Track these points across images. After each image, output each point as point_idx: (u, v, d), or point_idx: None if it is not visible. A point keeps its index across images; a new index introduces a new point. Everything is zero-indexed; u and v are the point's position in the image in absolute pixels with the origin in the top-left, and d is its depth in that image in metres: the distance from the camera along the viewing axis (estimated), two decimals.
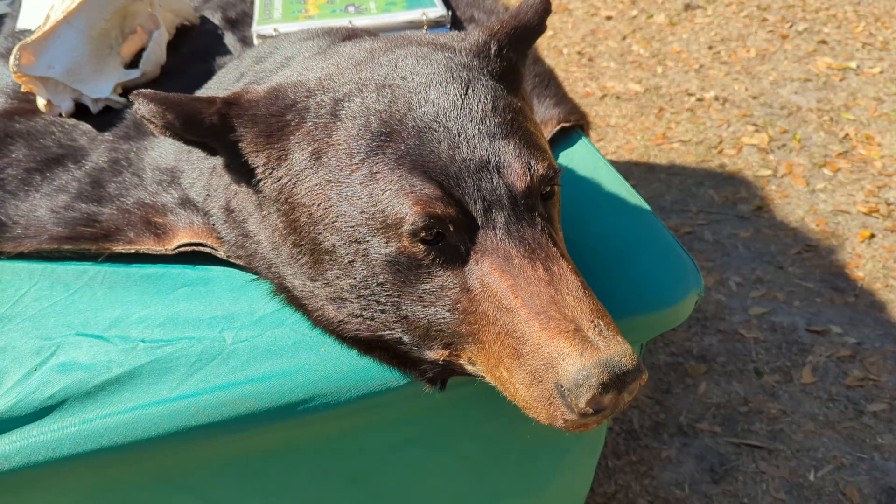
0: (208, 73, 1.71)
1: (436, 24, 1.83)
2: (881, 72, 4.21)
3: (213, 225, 1.25)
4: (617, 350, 0.87)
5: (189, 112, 1.03)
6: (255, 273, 1.21)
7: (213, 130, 1.05)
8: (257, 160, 1.06)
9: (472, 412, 1.20)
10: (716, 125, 3.87)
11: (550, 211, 1.03)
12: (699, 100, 4.08)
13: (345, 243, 1.00)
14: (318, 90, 1.06)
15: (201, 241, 1.28)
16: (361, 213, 0.98)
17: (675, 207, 3.40)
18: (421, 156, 0.97)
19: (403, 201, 0.94)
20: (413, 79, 1.05)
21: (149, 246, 1.30)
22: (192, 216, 1.31)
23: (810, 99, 4.03)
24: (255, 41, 1.80)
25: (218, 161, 1.23)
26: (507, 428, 1.23)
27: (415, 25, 1.83)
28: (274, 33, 1.78)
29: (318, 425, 1.12)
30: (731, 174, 3.57)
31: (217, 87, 1.43)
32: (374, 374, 1.10)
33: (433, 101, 1.01)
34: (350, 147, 1.00)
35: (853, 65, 4.29)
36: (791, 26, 4.68)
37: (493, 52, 1.13)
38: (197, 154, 1.33)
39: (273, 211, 1.08)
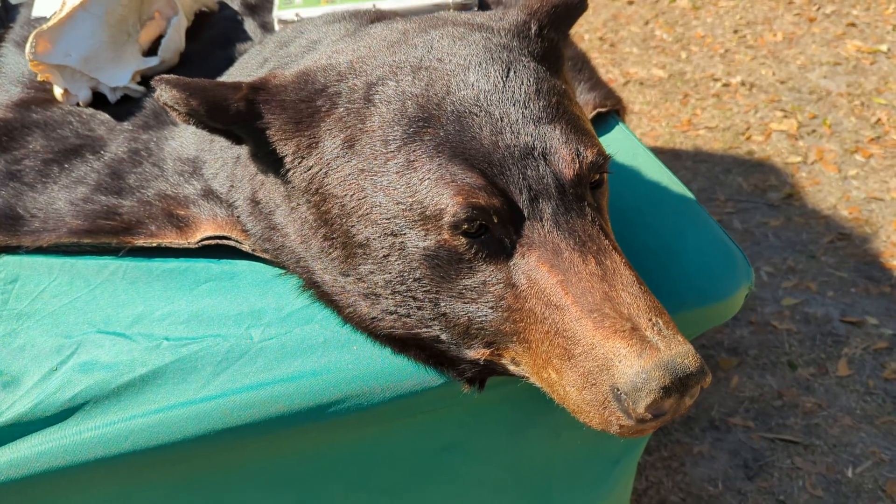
0: (229, 60, 1.65)
1: (462, 7, 1.77)
2: None
3: (238, 217, 1.20)
4: (678, 351, 0.81)
5: (214, 98, 0.97)
6: (283, 267, 1.16)
7: (240, 117, 0.99)
8: (286, 148, 1.01)
9: (514, 415, 1.14)
10: (743, 111, 3.77)
11: (600, 200, 0.97)
12: (725, 85, 3.98)
13: (380, 236, 0.94)
14: (350, 74, 1.00)
15: (225, 233, 1.23)
16: (398, 204, 0.92)
17: (702, 195, 3.32)
18: (462, 142, 0.91)
19: (444, 191, 0.88)
20: (451, 60, 0.98)
21: (171, 239, 1.25)
22: (215, 208, 1.26)
23: (840, 83, 3.93)
24: (277, 26, 1.74)
25: (243, 150, 1.18)
26: (553, 434, 1.17)
27: (441, 7, 1.76)
28: (296, 18, 1.72)
29: (350, 429, 1.06)
30: (759, 161, 3.48)
31: (239, 73, 1.37)
32: (409, 373, 1.05)
33: (473, 84, 0.95)
34: (385, 134, 0.94)
35: (884, 48, 4.17)
36: (818, 9, 4.56)
37: (533, 31, 1.07)
38: (220, 143, 1.28)
39: (303, 202, 1.03)
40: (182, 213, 1.28)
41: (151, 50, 1.73)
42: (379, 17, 1.30)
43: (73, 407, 1.03)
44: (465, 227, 0.88)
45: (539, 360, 0.90)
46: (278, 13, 1.76)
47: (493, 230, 0.90)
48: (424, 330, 0.98)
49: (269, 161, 1.04)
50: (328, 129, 0.98)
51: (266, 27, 1.80)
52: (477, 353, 0.97)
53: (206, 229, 1.24)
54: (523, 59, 1.00)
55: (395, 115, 0.94)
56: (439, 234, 0.90)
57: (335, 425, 1.04)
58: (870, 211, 3.18)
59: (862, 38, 4.26)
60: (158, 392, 1.04)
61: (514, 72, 0.97)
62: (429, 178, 0.90)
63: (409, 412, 1.07)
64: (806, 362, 2.56)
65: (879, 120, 3.67)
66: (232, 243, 1.22)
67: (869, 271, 2.91)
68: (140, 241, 1.25)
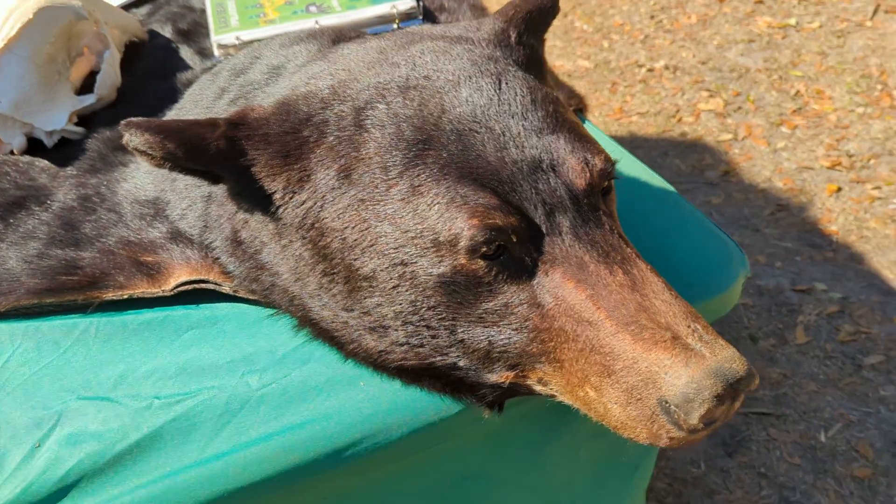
0: (171, 91, 1.57)
1: (407, 17, 1.73)
2: (820, 26, 4.26)
3: (217, 258, 1.13)
4: (725, 356, 0.79)
5: (191, 139, 0.91)
6: (273, 307, 1.10)
7: (221, 156, 0.93)
8: (275, 184, 0.95)
9: (533, 434, 1.11)
10: (670, 94, 3.86)
11: (611, 207, 0.95)
12: (650, 70, 4.06)
13: (387, 267, 0.89)
14: (334, 100, 0.95)
15: (202, 277, 1.16)
16: (405, 232, 0.88)
17: None
18: (467, 161, 0.87)
19: (457, 215, 0.84)
20: (438, 77, 0.95)
21: (143, 289, 1.17)
22: (186, 251, 1.18)
23: (757, 59, 4.06)
24: (216, 52, 1.67)
25: (217, 188, 1.11)
26: (573, 448, 1.15)
27: (385, 20, 1.72)
28: (237, 41, 1.65)
29: (370, 469, 1.01)
30: (693, 142, 3.56)
31: (194, 105, 1.29)
32: (424, 404, 1.00)
33: (467, 100, 0.91)
34: (384, 160, 0.89)
35: (792, 21, 4.34)
36: None
37: (513, 39, 1.04)
38: (184, 182, 1.21)
39: (296, 239, 0.97)
40: (150, 259, 1.20)
41: (85, 87, 1.63)
42: (340, 36, 1.25)
43: (67, 485, 0.94)
44: (484, 249, 0.84)
45: (574, 379, 0.87)
46: (217, 38, 1.68)
47: (511, 250, 0.86)
48: (440, 358, 0.94)
49: (255, 198, 0.97)
50: (320, 161, 0.93)
51: (204, 53, 1.72)
52: (500, 376, 0.93)
53: (180, 274, 1.17)
54: (511, 68, 0.98)
55: (392, 139, 0.90)
56: (455, 260, 0.86)
57: (354, 468, 0.98)
58: (802, 180, 3.29)
59: (771, 13, 4.41)
60: (159, 457, 0.97)
61: (506, 83, 0.94)
62: (439, 203, 0.85)
63: (427, 444, 1.02)
64: (766, 334, 2.63)
65: (798, 92, 3.80)
66: (211, 286, 1.15)
67: (811, 239, 3.01)
68: (109, 295, 1.16)
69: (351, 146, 0.91)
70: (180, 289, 1.15)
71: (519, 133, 0.89)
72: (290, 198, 0.95)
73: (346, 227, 0.91)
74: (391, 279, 0.90)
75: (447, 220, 0.85)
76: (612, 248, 0.86)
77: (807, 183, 3.27)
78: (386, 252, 0.89)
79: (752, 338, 2.61)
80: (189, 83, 1.58)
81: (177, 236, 1.20)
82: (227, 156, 0.93)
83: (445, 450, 1.05)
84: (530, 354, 0.89)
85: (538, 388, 0.94)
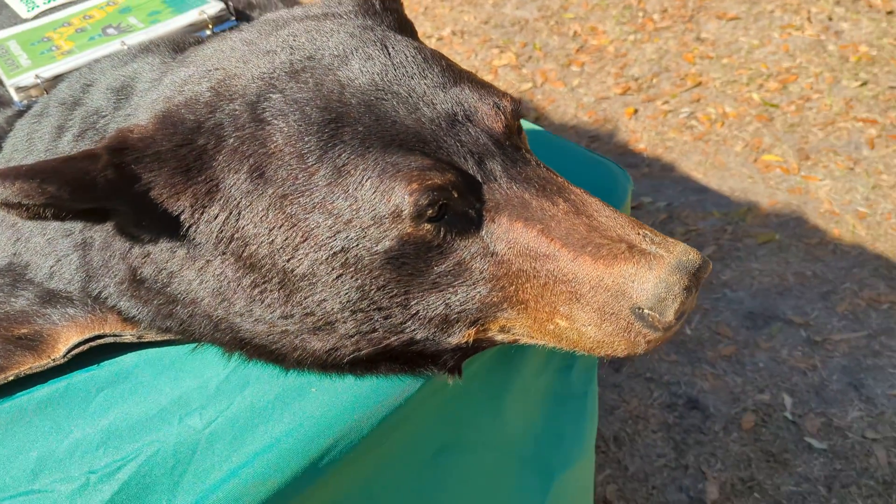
0: None
1: (219, 21, 1.64)
2: None
3: (113, 306, 1.02)
4: (680, 250, 0.84)
5: (74, 176, 0.80)
6: (192, 340, 1.01)
7: (112, 188, 0.83)
8: (179, 204, 0.87)
9: (488, 391, 1.11)
10: (465, 57, 3.97)
11: (526, 144, 0.96)
12: (440, 39, 4.15)
13: (326, 259, 0.85)
14: (221, 100, 0.88)
15: (96, 333, 1.04)
16: (338, 217, 0.84)
17: None
18: (384, 130, 0.84)
19: (393, 185, 0.82)
20: (322, 55, 0.91)
21: (29, 364, 1.03)
22: (67, 310, 1.06)
23: (532, 10, 4.28)
24: (16, 96, 1.49)
25: (92, 232, 1.00)
26: (524, 393, 1.16)
27: (197, 27, 1.62)
28: (37, 81, 1.48)
29: (347, 471, 0.97)
30: None
31: (27, 154, 1.14)
32: (385, 390, 0.97)
33: (362, 71, 0.89)
34: (297, 148, 0.84)
35: None
36: None
37: (377, 6, 1.02)
38: (43, 237, 1.07)
39: (215, 257, 0.89)
40: (26, 331, 1.06)
41: None
42: (179, 44, 1.16)
43: None
44: (430, 212, 0.82)
45: (541, 315, 0.88)
46: (12, 81, 1.50)
47: (453, 206, 0.85)
48: (395, 338, 0.91)
49: (157, 226, 0.89)
50: (225, 167, 0.86)
51: (1, 101, 1.54)
52: (461, 336, 0.92)
53: (68, 337, 1.04)
54: (389, 33, 0.96)
55: (299, 125, 0.85)
56: (401, 230, 0.83)
57: (333, 474, 0.94)
58: (603, 110, 3.54)
59: None
60: None
61: (393, 48, 0.92)
62: (370, 177, 0.82)
63: (398, 430, 1.00)
64: None
65: (576, 32, 4.07)
66: (109, 340, 1.04)
67: (626, 159, 3.25)
68: None
69: (256, 143, 0.86)
70: (74, 352, 1.03)
71: (424, 92, 0.88)
72: (201, 214, 0.87)
73: (271, 230, 0.86)
74: (333, 270, 0.86)
75: (384, 192, 0.82)
76: (545, 181, 0.88)
77: (608, 111, 3.52)
78: (322, 243, 0.85)
79: None
80: None
81: (50, 298, 1.07)
82: (118, 186, 0.83)
83: (411, 431, 1.03)
84: (491, 304, 0.89)
85: (500, 336, 0.94)
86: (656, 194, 3.07)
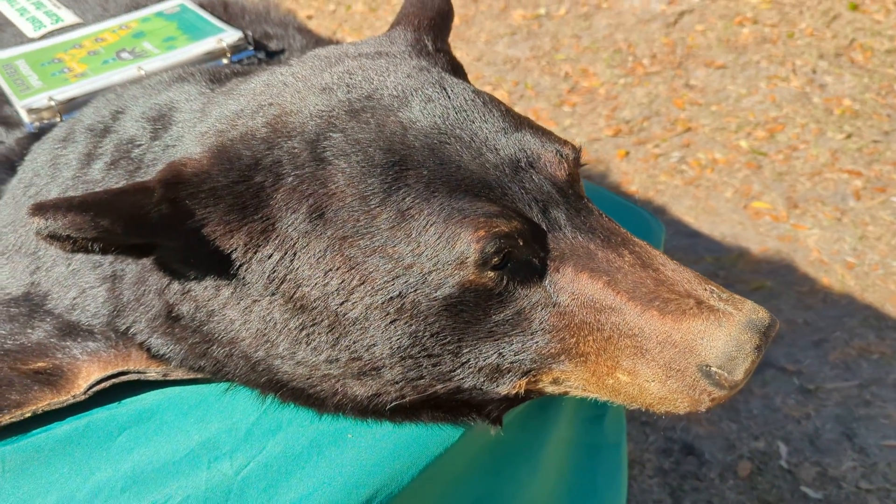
0: None
1: (237, 50, 1.62)
2: (567, 12, 4.65)
3: (142, 342, 0.98)
4: (749, 308, 0.83)
5: (128, 210, 0.77)
6: (225, 381, 0.98)
7: (166, 223, 0.80)
8: (233, 242, 0.84)
9: (522, 440, 1.08)
10: None
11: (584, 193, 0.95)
12: None
13: (382, 303, 0.83)
14: (278, 137, 0.86)
15: (119, 369, 1.00)
16: (399, 262, 0.81)
17: None
18: (450, 174, 0.83)
19: (458, 231, 0.80)
20: (382, 95, 0.89)
21: (47, 400, 0.98)
22: (89, 344, 1.01)
23: (524, 49, 4.33)
24: (27, 118, 1.45)
25: (125, 265, 0.96)
26: (558, 443, 1.13)
27: (214, 56, 1.60)
28: (51, 103, 1.45)
29: None
30: None
31: (50, 180, 1.10)
32: (426, 438, 0.94)
33: (423, 113, 0.87)
34: (360, 190, 0.82)
35: (542, 11, 4.68)
36: None
37: (430, 47, 1.01)
38: (67, 268, 1.03)
39: (263, 297, 0.86)
40: (43, 364, 1.01)
41: None
42: (215, 75, 1.13)
43: None
44: (495, 260, 0.80)
45: (602, 369, 0.86)
46: (24, 102, 1.46)
47: (517, 255, 0.83)
48: (441, 386, 0.89)
49: (206, 263, 0.85)
50: (283, 206, 0.83)
51: (8, 122, 1.49)
52: (510, 387, 0.89)
53: (90, 372, 1.00)
54: (445, 75, 0.95)
55: (362, 166, 0.83)
56: (464, 277, 0.81)
57: None
58: (595, 150, 3.57)
59: (522, 6, 4.73)
60: None
61: (452, 90, 0.91)
62: (435, 222, 0.80)
63: (437, 480, 0.96)
64: None
65: (567, 73, 4.12)
66: (133, 377, 1.00)
67: None
68: (6, 419, 0.97)
69: (316, 183, 0.83)
70: (95, 389, 0.99)
71: (487, 137, 0.87)
72: (254, 253, 0.84)
73: (327, 272, 0.83)
74: (387, 315, 0.83)
75: (449, 238, 0.80)
76: (610, 232, 0.87)
77: (599, 152, 3.55)
78: (380, 287, 0.82)
79: None
80: (6, 158, 1.36)
81: (70, 331, 1.03)
82: (172, 221, 0.80)
83: (450, 481, 1.00)
84: (547, 356, 0.87)
85: (550, 388, 0.92)
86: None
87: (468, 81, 1.02)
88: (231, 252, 0.85)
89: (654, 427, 2.38)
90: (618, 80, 4.03)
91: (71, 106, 1.45)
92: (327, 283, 0.83)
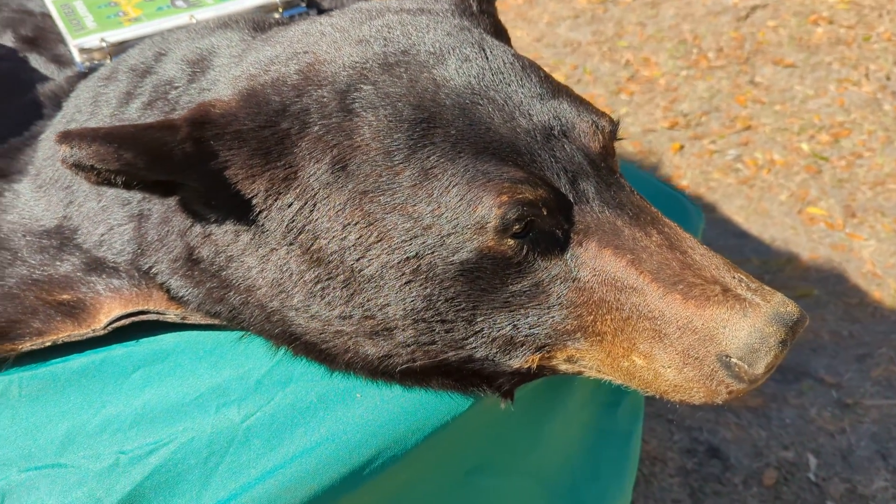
0: (35, 107, 1.37)
1: (289, 5, 1.62)
2: None
3: (163, 283, 0.98)
4: (778, 300, 0.79)
5: (152, 145, 0.77)
6: (240, 329, 0.98)
7: (189, 162, 0.80)
8: (255, 187, 0.83)
9: (530, 416, 1.06)
10: None
11: (618, 168, 0.92)
12: None
13: (398, 263, 0.81)
14: (309, 85, 0.85)
15: (139, 308, 1.01)
16: (418, 221, 0.80)
17: None
18: (478, 136, 0.80)
19: (481, 194, 0.78)
20: (418, 51, 0.87)
21: (67, 332, 1.00)
22: (112, 281, 1.02)
23: (585, 33, 4.25)
24: (78, 57, 1.47)
25: (151, 204, 0.97)
26: (566, 423, 1.11)
27: (267, 9, 1.60)
28: (102, 44, 1.46)
29: (384, 483, 0.92)
30: None
31: (90, 116, 1.11)
32: (434, 405, 0.93)
33: (458, 72, 0.85)
34: (385, 145, 0.80)
35: None
36: None
37: (475, 8, 0.98)
38: (97, 203, 1.04)
39: (281, 246, 0.86)
40: (68, 297, 1.03)
41: None
42: (260, 23, 1.12)
43: None
44: (516, 228, 0.78)
45: (617, 350, 0.84)
46: (76, 42, 1.48)
47: (541, 224, 0.81)
48: (453, 353, 0.87)
49: (227, 207, 0.85)
50: (307, 155, 0.82)
51: (60, 61, 1.52)
52: (523, 361, 0.87)
53: (111, 308, 1.01)
54: (486, 37, 0.92)
55: (390, 121, 0.81)
56: (482, 243, 0.79)
57: (372, 485, 0.90)
58: (649, 142, 3.49)
59: None
60: None
61: (491, 51, 0.88)
62: (457, 184, 0.78)
63: (438, 445, 0.95)
64: None
65: (628, 61, 4.03)
66: (152, 317, 1.01)
67: None
68: (26, 345, 0.99)
69: (342, 134, 0.82)
70: (116, 325, 1.00)
71: (521, 101, 0.84)
72: (274, 200, 0.84)
73: (345, 226, 0.82)
74: (402, 275, 0.82)
75: (470, 200, 0.78)
76: (640, 210, 0.84)
77: (653, 144, 3.47)
78: (396, 246, 0.81)
79: None
80: (56, 95, 1.38)
81: (96, 266, 1.04)
82: (194, 160, 0.80)
83: (450, 447, 0.99)
84: (563, 332, 0.84)
85: (564, 366, 0.90)
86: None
87: (510, 45, 0.99)
88: (252, 197, 0.84)
89: (679, 425, 2.33)
90: (679, 72, 3.93)
91: (121, 49, 1.47)
92: (345, 237, 0.82)
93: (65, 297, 1.03)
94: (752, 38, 4.09)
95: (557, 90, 0.88)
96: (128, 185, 0.80)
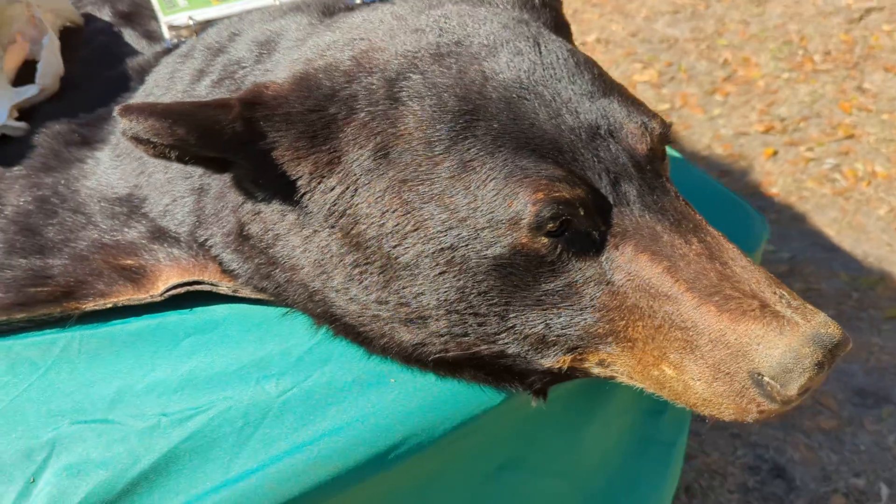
0: (122, 79, 1.44)
1: None
2: None
3: (216, 256, 1.02)
4: (819, 321, 0.76)
5: (204, 122, 0.80)
6: (285, 305, 1.01)
7: (238, 141, 0.83)
8: (300, 169, 0.86)
9: (568, 417, 1.06)
10: (605, 67, 3.86)
11: (667, 173, 0.90)
12: (582, 45, 4.06)
13: (433, 253, 0.82)
14: (360, 71, 0.86)
15: (195, 278, 1.05)
16: (455, 213, 0.80)
17: None
18: (521, 131, 0.80)
19: (517, 189, 0.77)
20: (471, 42, 0.87)
21: (128, 296, 1.05)
22: (173, 250, 1.07)
23: (684, 30, 4.12)
24: (167, 34, 1.53)
25: (211, 179, 1.00)
26: (605, 427, 1.10)
27: None
28: (190, 22, 1.52)
29: (410, 471, 0.94)
30: None
31: (166, 91, 1.17)
32: (465, 397, 0.93)
33: (509, 65, 0.84)
34: (427, 135, 0.81)
35: None
36: None
37: (537, 1, 0.97)
38: (165, 175, 1.09)
39: (323, 229, 0.88)
40: (132, 262, 1.08)
41: (19, 79, 1.47)
42: (328, 8, 1.15)
43: None
44: (550, 226, 0.78)
45: (648, 358, 0.82)
46: (166, 19, 1.54)
47: (577, 224, 0.80)
48: (486, 347, 0.87)
49: (274, 186, 0.88)
50: (351, 140, 0.84)
51: (151, 36, 1.58)
52: (555, 361, 0.87)
53: (169, 276, 1.06)
54: (544, 31, 0.91)
55: (434, 111, 0.82)
56: (515, 239, 0.79)
57: (396, 471, 0.91)
58: (740, 145, 3.36)
59: None
60: (179, 481, 0.86)
61: (545, 46, 0.87)
62: (495, 178, 0.78)
63: (465, 438, 0.95)
64: None
65: (726, 60, 3.88)
66: (206, 288, 1.05)
67: (755, 201, 3.07)
68: (90, 305, 1.04)
69: (386, 122, 0.83)
70: (172, 292, 1.05)
71: (570, 98, 0.83)
72: (318, 183, 0.86)
73: (384, 212, 0.83)
74: (437, 265, 0.82)
75: (506, 195, 0.78)
76: (682, 216, 0.81)
77: (744, 148, 3.34)
78: (432, 236, 0.81)
79: None
80: (142, 69, 1.45)
81: (160, 235, 1.09)
82: (244, 140, 0.83)
83: (481, 441, 0.99)
84: (595, 335, 0.83)
85: (596, 370, 0.88)
86: (781, 244, 2.89)
87: (571, 41, 0.97)
88: (297, 179, 0.86)
89: (745, 441, 2.25)
90: (781, 74, 3.76)
91: (207, 27, 1.52)
92: (383, 223, 0.83)
93: (129, 262, 1.08)
94: (863, 41, 3.86)
95: (610, 89, 0.86)
96: (181, 160, 0.83)
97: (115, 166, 1.20)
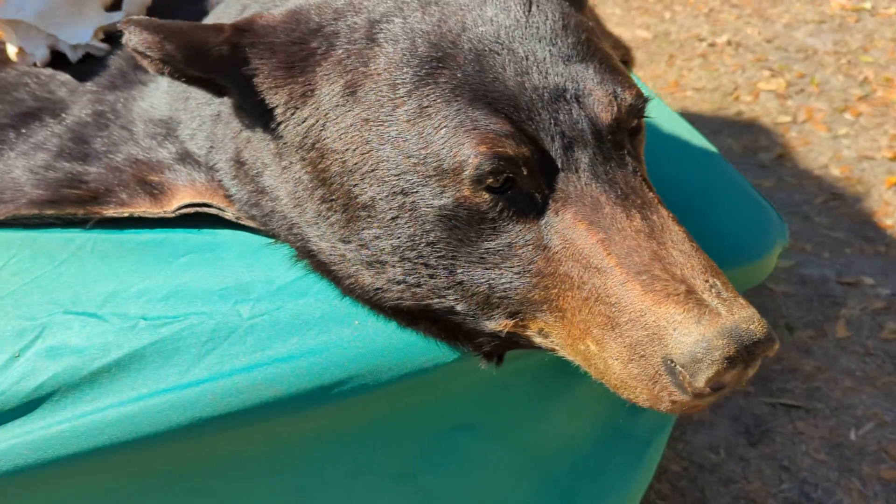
0: (202, 13, 1.52)
1: None
2: None
3: (221, 181, 1.08)
4: (742, 315, 0.71)
5: (192, 41, 0.85)
6: (273, 236, 1.05)
7: (222, 63, 0.87)
8: (276, 98, 0.89)
9: (534, 391, 1.04)
10: (730, 71, 3.68)
11: (638, 149, 0.86)
12: (711, 45, 3.88)
13: (387, 195, 0.83)
14: (349, 10, 0.88)
15: (206, 200, 1.11)
16: (408, 157, 0.81)
17: None
18: (483, 84, 0.79)
19: (464, 140, 0.77)
20: None
21: (145, 208, 1.12)
22: (193, 172, 1.13)
23: (826, 41, 3.85)
24: None
25: (223, 106, 1.05)
26: (575, 408, 1.07)
27: None
28: None
29: (354, 411, 0.96)
30: (749, 121, 3.40)
31: (216, 20, 1.23)
32: (417, 349, 0.94)
33: (491, 19, 0.84)
34: (393, 77, 0.82)
35: (867, 5, 4.10)
36: None
37: None
38: (196, 100, 1.15)
39: (296, 160, 0.91)
40: (156, 179, 1.15)
41: (114, 5, 1.59)
42: None
43: (39, 397, 0.91)
44: (490, 181, 0.77)
45: (575, 331, 0.80)
46: None
47: (520, 184, 0.78)
48: (437, 301, 0.88)
49: (257, 114, 0.92)
50: (325, 75, 0.86)
51: None
52: (498, 324, 0.86)
53: (183, 196, 1.12)
54: None
55: (404, 55, 0.82)
56: (458, 191, 0.79)
57: (337, 408, 0.93)
58: (861, 170, 3.12)
59: None
60: (137, 378, 0.93)
61: (537, 5, 0.86)
62: (446, 126, 0.78)
63: (418, 391, 0.96)
64: (804, 325, 2.51)
65: (867, 78, 3.60)
66: (213, 211, 1.10)
67: (863, 231, 2.85)
68: (110, 212, 1.13)
69: (360, 60, 0.85)
70: (182, 211, 1.11)
71: (545, 58, 0.81)
72: (292, 114, 0.89)
73: (346, 149, 0.85)
74: (390, 209, 0.83)
75: (453, 145, 0.78)
76: (632, 191, 0.78)
77: (865, 173, 3.10)
78: (386, 179, 0.82)
79: (788, 327, 2.49)
80: (218, 2, 1.53)
81: (185, 157, 1.16)
82: (228, 63, 0.87)
83: (434, 397, 0.99)
84: (531, 302, 0.82)
85: (538, 339, 0.87)
86: (883, 279, 2.67)
87: (582, 10, 0.94)
88: (274, 108, 0.89)
89: (793, 475, 2.11)
90: None
91: None
92: (345, 160, 0.85)
93: (154, 178, 1.15)
94: None
95: (591, 55, 0.83)
96: (173, 76, 0.88)
97: (166, 91, 1.27)
